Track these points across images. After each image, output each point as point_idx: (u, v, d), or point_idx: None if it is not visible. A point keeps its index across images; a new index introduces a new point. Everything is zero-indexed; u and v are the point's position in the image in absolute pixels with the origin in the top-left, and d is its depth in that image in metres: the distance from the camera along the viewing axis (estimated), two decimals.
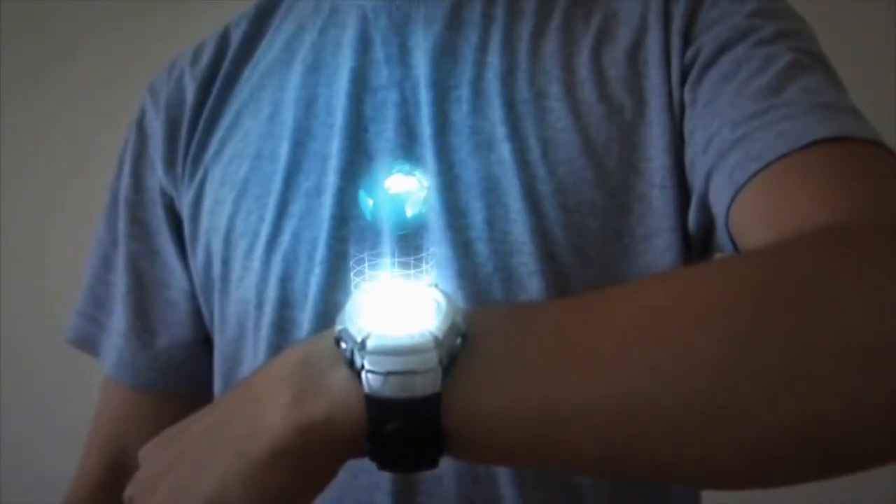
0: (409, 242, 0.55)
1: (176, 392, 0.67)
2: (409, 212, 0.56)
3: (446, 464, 0.54)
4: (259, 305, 0.59)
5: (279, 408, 0.38)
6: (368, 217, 0.56)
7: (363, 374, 0.36)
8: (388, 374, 0.36)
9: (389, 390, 0.36)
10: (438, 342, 0.36)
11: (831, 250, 0.37)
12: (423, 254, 0.55)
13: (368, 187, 0.56)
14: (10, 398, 1.36)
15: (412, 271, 0.43)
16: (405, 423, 0.36)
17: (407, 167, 0.56)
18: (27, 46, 1.38)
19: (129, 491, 0.43)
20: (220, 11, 0.72)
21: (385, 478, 0.55)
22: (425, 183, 0.55)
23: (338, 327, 0.38)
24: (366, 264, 0.44)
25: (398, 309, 0.39)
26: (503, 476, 0.54)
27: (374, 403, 0.36)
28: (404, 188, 0.56)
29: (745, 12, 0.55)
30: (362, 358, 0.36)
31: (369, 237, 0.56)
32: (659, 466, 0.37)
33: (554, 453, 0.37)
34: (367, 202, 0.56)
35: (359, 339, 0.37)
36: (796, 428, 0.35)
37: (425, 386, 0.36)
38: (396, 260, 0.47)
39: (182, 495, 0.39)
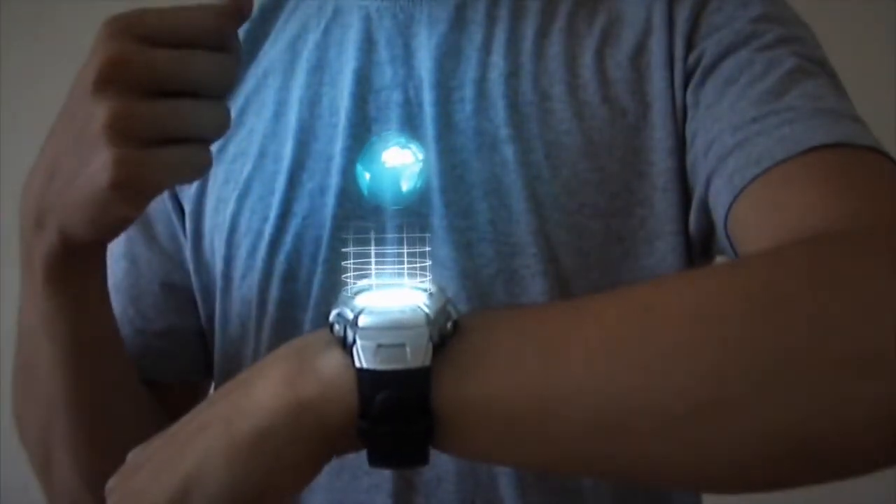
0: (406, 218, 0.55)
1: (167, 380, 0.66)
2: (405, 186, 0.55)
3: (446, 465, 0.54)
4: (261, 305, 0.59)
5: (270, 387, 0.38)
6: (365, 192, 0.56)
7: (355, 349, 0.37)
8: (379, 346, 0.37)
9: (380, 362, 0.37)
10: (430, 320, 0.38)
11: (825, 257, 0.37)
12: (418, 227, 0.55)
13: (366, 161, 0.56)
14: (10, 397, 1.36)
15: (412, 250, 0.44)
16: (395, 393, 0.37)
17: (403, 140, 0.56)
18: (27, 47, 1.38)
19: (111, 482, 0.42)
20: None
21: (386, 479, 0.55)
22: (420, 155, 0.55)
23: (332, 311, 0.39)
24: (367, 246, 0.44)
25: (391, 291, 0.41)
26: (503, 478, 0.54)
27: (365, 376, 0.37)
28: (400, 161, 0.55)
29: (748, 17, 0.55)
30: (355, 333, 0.37)
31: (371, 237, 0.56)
32: (643, 464, 0.38)
33: (540, 445, 0.38)
34: (364, 176, 0.56)
35: (352, 316, 0.38)
36: (783, 431, 0.35)
37: (415, 359, 0.37)
38: (393, 236, 0.47)
39: (162, 473, 0.39)
